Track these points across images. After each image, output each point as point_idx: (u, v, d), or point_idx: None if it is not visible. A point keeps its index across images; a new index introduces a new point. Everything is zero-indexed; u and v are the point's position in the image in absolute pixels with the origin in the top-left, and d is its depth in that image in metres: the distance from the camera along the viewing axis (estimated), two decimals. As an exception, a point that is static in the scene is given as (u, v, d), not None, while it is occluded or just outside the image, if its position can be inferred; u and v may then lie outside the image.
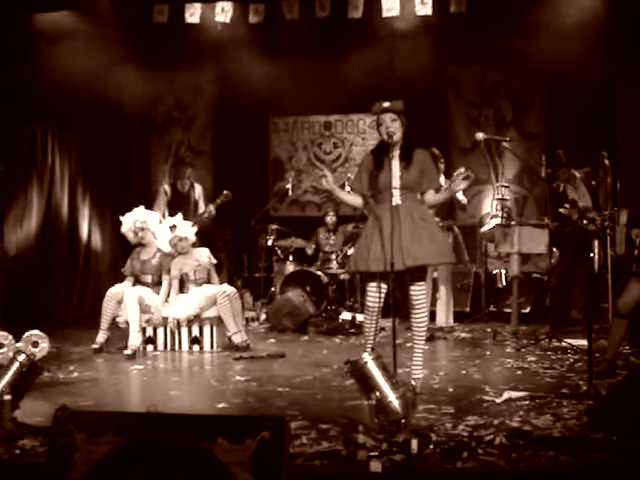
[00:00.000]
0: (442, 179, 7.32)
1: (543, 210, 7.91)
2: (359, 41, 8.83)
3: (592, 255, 6.58)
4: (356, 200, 4.86)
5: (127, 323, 6.44)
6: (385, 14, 8.46)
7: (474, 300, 8.40)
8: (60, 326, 7.62)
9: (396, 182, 4.56)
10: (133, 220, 6.75)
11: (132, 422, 2.44)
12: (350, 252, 7.84)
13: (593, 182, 6.82)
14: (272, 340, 7.16)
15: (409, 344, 5.12)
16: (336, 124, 10.17)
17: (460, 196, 7.25)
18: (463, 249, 8.32)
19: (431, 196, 4.74)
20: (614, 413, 3.63)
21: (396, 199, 4.56)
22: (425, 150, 4.79)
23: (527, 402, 4.29)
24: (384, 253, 4.41)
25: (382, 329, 6.41)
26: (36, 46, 8.09)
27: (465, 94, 9.72)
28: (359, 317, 7.24)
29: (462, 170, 4.54)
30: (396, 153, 4.62)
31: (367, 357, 3.78)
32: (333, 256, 8.48)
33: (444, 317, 7.65)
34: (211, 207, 7.67)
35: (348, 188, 5.70)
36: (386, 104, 4.60)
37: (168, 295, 6.68)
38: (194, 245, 6.90)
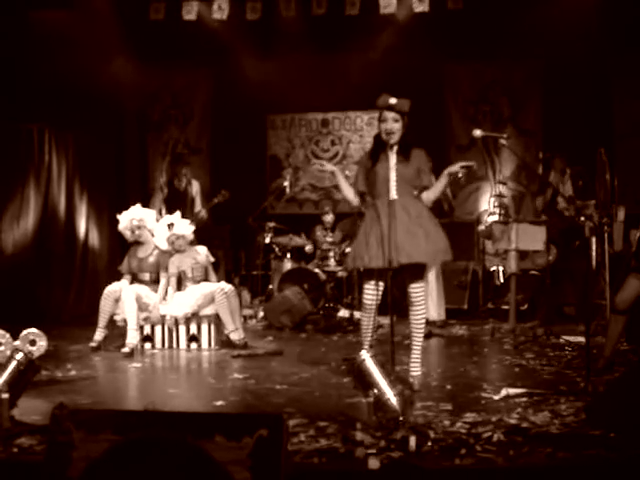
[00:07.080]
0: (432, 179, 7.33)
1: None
2: (356, 38, 8.82)
3: (589, 251, 6.59)
4: (351, 192, 4.84)
5: (125, 321, 6.44)
6: (382, 11, 8.47)
7: (472, 297, 8.40)
8: (58, 324, 7.60)
9: (393, 175, 4.55)
10: (130, 218, 6.73)
11: (130, 420, 2.44)
12: (348, 250, 7.84)
13: (580, 182, 6.87)
14: (270, 338, 7.15)
15: (407, 341, 5.12)
16: (333, 121, 10.16)
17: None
18: None
19: (428, 193, 4.74)
20: (612, 410, 3.64)
21: (392, 193, 4.55)
22: (422, 150, 4.78)
23: (525, 399, 4.29)
24: (382, 249, 4.40)
25: (380, 326, 6.40)
26: (33, 44, 8.07)
27: (462, 91, 9.72)
28: (357, 314, 7.24)
29: (468, 164, 4.54)
30: (394, 149, 4.61)
31: (365, 354, 3.78)
32: (331, 253, 8.47)
33: (435, 312, 7.60)
34: (203, 211, 7.64)
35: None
36: (392, 101, 4.51)
37: (166, 293, 6.67)
38: (192, 243, 6.90)
